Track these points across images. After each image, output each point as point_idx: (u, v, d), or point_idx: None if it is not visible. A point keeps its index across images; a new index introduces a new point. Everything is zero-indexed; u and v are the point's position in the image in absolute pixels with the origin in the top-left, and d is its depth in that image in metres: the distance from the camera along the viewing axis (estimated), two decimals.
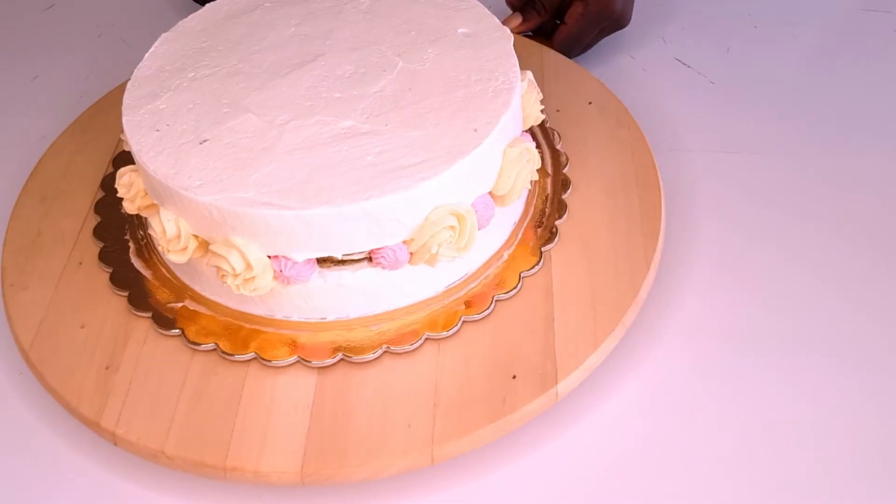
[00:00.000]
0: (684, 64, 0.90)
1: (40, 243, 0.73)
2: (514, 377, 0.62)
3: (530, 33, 0.90)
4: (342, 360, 0.64)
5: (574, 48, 0.88)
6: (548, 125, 0.78)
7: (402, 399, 0.62)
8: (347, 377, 0.64)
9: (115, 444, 0.62)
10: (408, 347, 0.64)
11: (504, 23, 0.86)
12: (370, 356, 0.64)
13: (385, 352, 0.64)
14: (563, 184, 0.74)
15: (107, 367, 0.65)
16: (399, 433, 0.60)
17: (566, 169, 0.75)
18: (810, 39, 0.92)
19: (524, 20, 0.88)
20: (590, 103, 0.80)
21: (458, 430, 0.60)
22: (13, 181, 0.80)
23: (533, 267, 0.68)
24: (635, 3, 0.88)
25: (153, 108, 0.67)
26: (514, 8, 0.90)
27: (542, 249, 0.69)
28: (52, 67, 0.96)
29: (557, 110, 0.79)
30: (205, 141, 0.64)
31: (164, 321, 0.67)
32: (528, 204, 0.73)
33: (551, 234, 0.70)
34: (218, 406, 0.63)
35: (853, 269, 0.72)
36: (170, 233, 0.63)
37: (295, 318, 0.66)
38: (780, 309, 0.70)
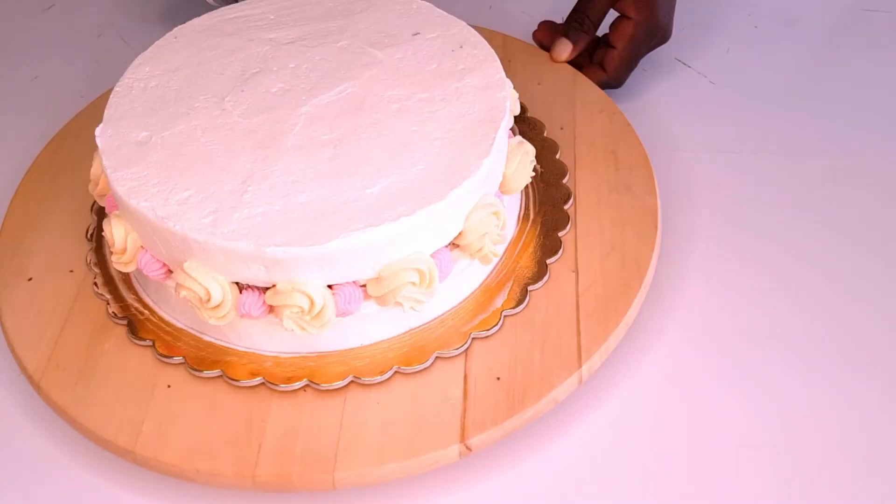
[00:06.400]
0: (684, 64, 0.90)
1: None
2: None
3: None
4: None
5: (628, 72, 0.81)
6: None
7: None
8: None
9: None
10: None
11: (554, 54, 0.82)
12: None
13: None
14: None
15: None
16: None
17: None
18: (810, 40, 0.92)
19: (574, 44, 0.81)
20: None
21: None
22: (12, 181, 0.80)
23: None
24: None
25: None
26: (551, 33, 0.83)
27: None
28: (52, 67, 0.96)
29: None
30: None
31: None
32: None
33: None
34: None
35: (853, 268, 0.72)
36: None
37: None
38: (780, 309, 0.70)
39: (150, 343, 0.66)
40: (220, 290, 0.61)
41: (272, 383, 0.63)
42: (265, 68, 0.70)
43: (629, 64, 0.82)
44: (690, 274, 0.72)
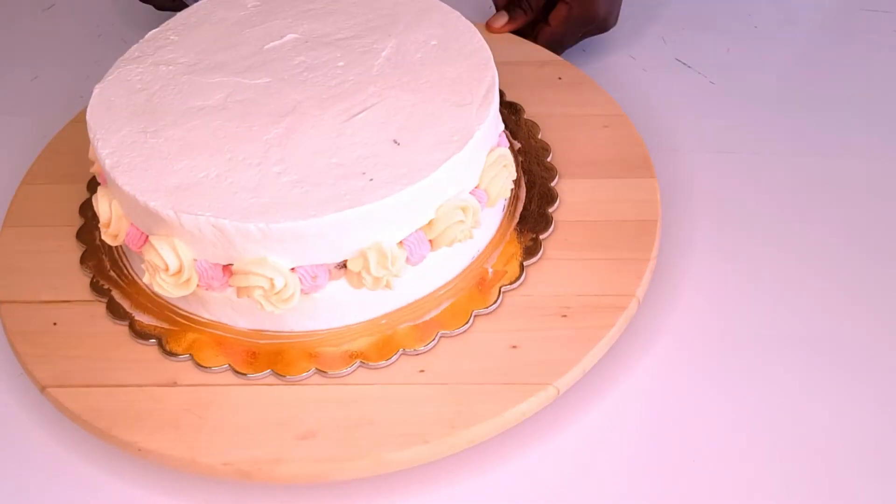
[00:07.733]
0: (684, 64, 0.90)
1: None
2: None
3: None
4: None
5: (557, 49, 0.86)
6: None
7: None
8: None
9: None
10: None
11: (489, 22, 0.87)
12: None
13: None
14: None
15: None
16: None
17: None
18: (810, 40, 0.92)
19: (510, 19, 0.87)
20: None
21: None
22: (12, 181, 0.80)
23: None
24: (632, 2, 0.87)
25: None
26: (499, 7, 0.88)
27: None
28: (52, 67, 0.96)
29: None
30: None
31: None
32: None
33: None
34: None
35: (852, 268, 0.72)
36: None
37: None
38: (779, 309, 0.70)
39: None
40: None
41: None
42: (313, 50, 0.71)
43: (559, 42, 0.87)
44: (689, 274, 0.72)
